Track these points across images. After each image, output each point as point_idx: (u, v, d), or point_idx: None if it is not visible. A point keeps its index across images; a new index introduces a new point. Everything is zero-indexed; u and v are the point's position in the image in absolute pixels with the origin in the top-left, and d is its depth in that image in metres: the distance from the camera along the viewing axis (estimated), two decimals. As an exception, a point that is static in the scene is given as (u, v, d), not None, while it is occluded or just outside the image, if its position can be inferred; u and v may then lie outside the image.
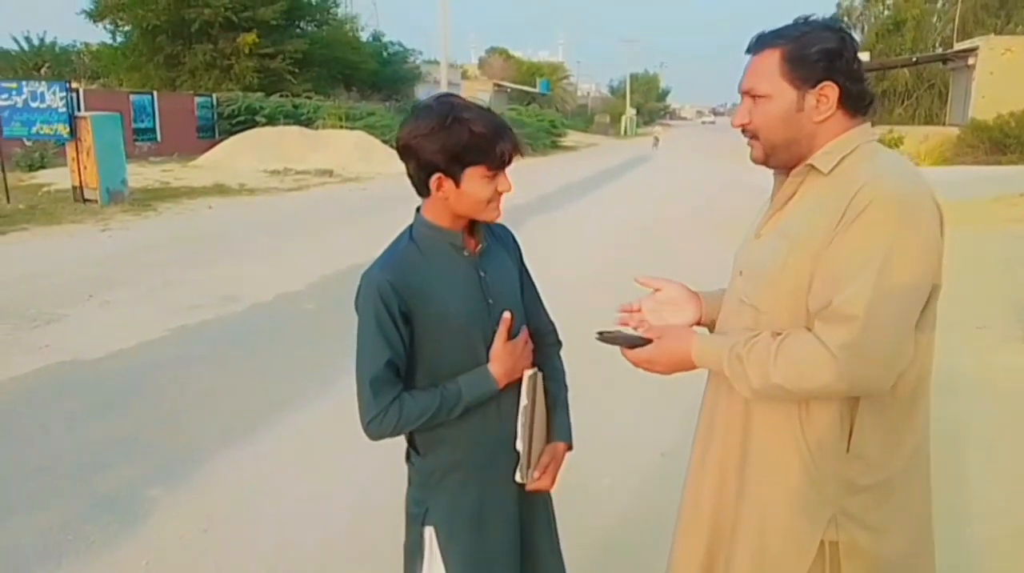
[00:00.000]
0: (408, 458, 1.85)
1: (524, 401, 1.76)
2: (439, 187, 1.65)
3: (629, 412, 4.44)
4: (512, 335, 1.76)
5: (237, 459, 4.00)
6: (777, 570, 1.58)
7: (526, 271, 1.94)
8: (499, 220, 1.79)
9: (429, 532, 1.79)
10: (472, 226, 1.77)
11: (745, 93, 1.59)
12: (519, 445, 1.77)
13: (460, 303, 1.71)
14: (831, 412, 1.50)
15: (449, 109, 1.62)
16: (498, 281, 1.79)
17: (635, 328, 1.79)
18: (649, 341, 1.67)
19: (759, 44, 1.57)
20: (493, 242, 1.84)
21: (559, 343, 1.99)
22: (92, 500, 3.56)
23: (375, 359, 1.64)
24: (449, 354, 1.72)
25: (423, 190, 1.70)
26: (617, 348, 1.71)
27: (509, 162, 1.67)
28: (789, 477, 1.55)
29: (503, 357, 1.72)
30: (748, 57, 1.60)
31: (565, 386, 1.98)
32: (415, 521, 1.82)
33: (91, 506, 3.50)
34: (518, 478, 1.78)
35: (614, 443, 4.06)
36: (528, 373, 1.77)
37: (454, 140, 1.60)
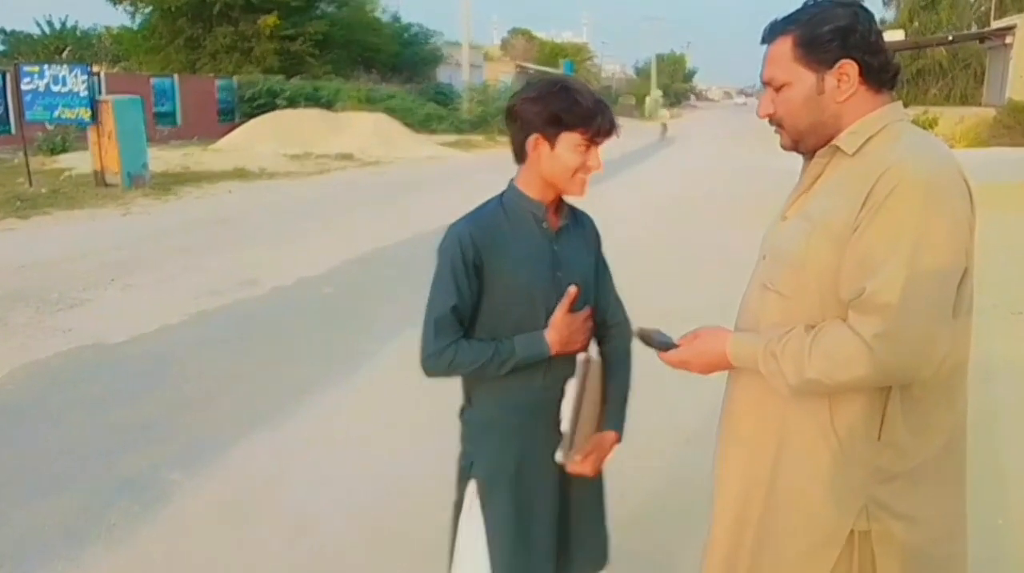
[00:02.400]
0: (461, 413, 1.95)
1: (575, 383, 1.81)
2: (535, 147, 1.76)
3: (653, 397, 4.38)
4: (576, 311, 1.83)
5: (258, 443, 4.01)
6: (806, 559, 1.56)
7: (603, 261, 2.01)
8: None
9: (472, 485, 1.88)
10: (558, 204, 1.88)
11: (766, 83, 1.59)
12: (564, 426, 1.82)
13: (528, 269, 1.81)
14: (861, 400, 1.48)
15: (560, 80, 1.79)
16: (570, 258, 1.87)
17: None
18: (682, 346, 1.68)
19: (771, 33, 1.58)
20: (574, 225, 1.93)
21: (630, 336, 2.01)
22: (114, 483, 3.58)
23: (443, 302, 1.78)
24: (511, 315, 1.82)
25: (520, 154, 1.81)
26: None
27: (604, 137, 1.78)
28: (819, 465, 1.53)
29: (560, 326, 1.80)
30: (764, 48, 1.59)
31: (628, 380, 2.05)
32: (463, 475, 1.92)
33: (113, 489, 3.52)
34: (558, 458, 1.83)
35: (638, 428, 3.98)
36: (581, 357, 1.82)
37: (557, 104, 1.73)
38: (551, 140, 1.75)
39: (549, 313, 1.81)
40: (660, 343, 1.69)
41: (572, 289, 1.80)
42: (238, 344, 5.62)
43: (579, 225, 1.95)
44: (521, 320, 1.81)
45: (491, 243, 1.79)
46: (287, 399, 4.55)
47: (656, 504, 3.37)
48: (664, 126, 35.91)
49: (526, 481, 1.86)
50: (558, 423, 1.82)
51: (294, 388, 4.71)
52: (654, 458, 3.75)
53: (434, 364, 1.79)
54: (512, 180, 1.88)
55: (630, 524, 3.19)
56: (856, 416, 1.49)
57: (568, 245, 1.88)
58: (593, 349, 1.93)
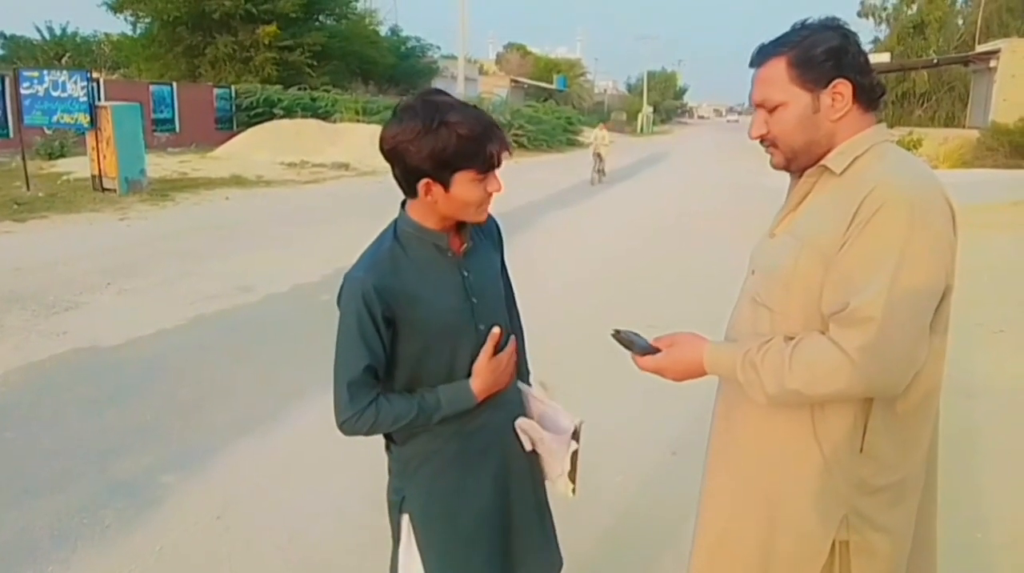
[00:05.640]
0: (387, 448, 1.87)
1: (575, 446, 1.81)
2: (427, 192, 1.61)
3: (641, 410, 4.43)
4: (500, 346, 1.74)
5: (251, 447, 4.03)
6: (790, 570, 1.59)
7: (504, 266, 1.93)
8: (499, 215, 1.80)
9: (406, 520, 1.81)
10: (459, 225, 1.74)
11: (759, 106, 1.59)
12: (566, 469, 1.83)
13: (444, 306, 1.69)
14: (845, 413, 1.50)
15: (434, 111, 1.55)
16: (482, 280, 1.77)
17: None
18: (659, 350, 1.66)
19: (761, 55, 1.58)
20: (478, 236, 1.81)
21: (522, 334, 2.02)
22: (107, 485, 3.59)
23: (354, 363, 1.63)
24: (430, 355, 1.71)
25: (410, 192, 1.66)
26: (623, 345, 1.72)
27: (499, 164, 1.62)
28: (802, 477, 1.55)
29: (485, 374, 1.71)
30: (753, 71, 1.60)
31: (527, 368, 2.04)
32: (394, 509, 1.85)
33: (106, 491, 3.53)
34: (565, 493, 1.86)
35: (625, 440, 4.05)
36: (577, 422, 1.82)
37: (441, 145, 1.54)
38: (444, 183, 1.59)
39: (470, 343, 1.71)
40: (638, 347, 1.67)
41: (495, 331, 1.71)
42: (232, 349, 5.64)
43: (484, 233, 1.83)
44: (441, 359, 1.71)
45: (398, 292, 1.63)
46: (281, 403, 4.57)
47: (641, 515, 3.38)
48: (599, 158, 18.89)
49: (463, 511, 1.78)
50: (492, 444, 1.81)
51: (288, 392, 4.73)
52: (640, 470, 3.78)
53: (352, 426, 1.66)
54: (403, 208, 1.73)
55: (615, 534, 3.22)
56: (838, 428, 1.51)
57: (478, 266, 1.76)
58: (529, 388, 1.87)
